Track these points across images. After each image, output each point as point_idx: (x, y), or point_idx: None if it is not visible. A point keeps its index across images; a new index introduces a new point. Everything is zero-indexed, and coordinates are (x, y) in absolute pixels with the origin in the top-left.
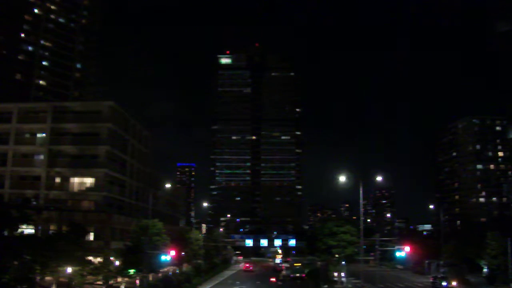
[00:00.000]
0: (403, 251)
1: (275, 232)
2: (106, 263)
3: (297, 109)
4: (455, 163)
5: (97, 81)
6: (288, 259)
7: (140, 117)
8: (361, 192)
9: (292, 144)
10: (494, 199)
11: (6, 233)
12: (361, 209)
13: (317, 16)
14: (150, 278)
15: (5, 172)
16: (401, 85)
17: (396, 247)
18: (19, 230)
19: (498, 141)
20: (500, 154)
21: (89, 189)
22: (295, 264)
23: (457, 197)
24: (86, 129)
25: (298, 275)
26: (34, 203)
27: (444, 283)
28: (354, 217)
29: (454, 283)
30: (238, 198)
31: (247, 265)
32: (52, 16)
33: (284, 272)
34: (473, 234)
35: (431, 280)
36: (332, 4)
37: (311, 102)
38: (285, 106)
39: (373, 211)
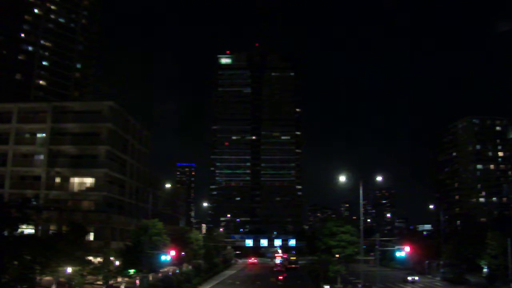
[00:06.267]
0: (403, 251)
1: (275, 232)
2: (106, 263)
3: (297, 109)
4: (455, 163)
5: (97, 81)
6: (285, 255)
7: (140, 117)
8: (361, 192)
9: (292, 144)
10: (494, 199)
11: (6, 233)
12: (361, 209)
13: (317, 15)
14: (150, 278)
15: (5, 172)
16: (401, 85)
17: (396, 247)
18: (19, 230)
19: (498, 141)
20: (500, 154)
21: (89, 189)
22: (291, 258)
23: (457, 197)
24: (86, 129)
25: (293, 266)
26: (34, 203)
27: None
28: (354, 217)
29: None
30: (238, 198)
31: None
32: (52, 16)
33: (283, 264)
34: (473, 234)
35: None
36: (332, 4)
37: (311, 102)
38: (285, 106)
39: (373, 211)
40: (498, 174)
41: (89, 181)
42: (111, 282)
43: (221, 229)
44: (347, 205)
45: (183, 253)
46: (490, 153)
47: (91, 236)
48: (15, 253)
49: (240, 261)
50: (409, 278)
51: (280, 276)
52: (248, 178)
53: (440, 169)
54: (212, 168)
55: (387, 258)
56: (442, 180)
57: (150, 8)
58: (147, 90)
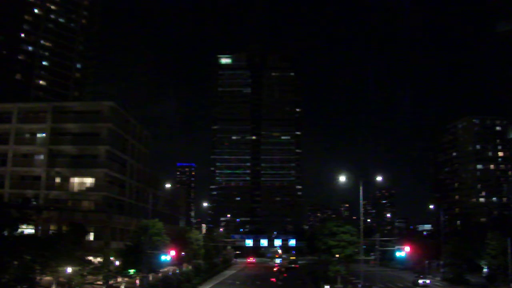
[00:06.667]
0: (403, 251)
1: (275, 232)
2: (106, 263)
3: (297, 109)
4: (455, 163)
5: (97, 81)
6: (283, 256)
7: (140, 117)
8: (361, 192)
9: (292, 144)
10: (494, 199)
11: (6, 233)
12: (361, 209)
13: (317, 15)
14: (150, 278)
15: (5, 172)
16: (401, 85)
17: (396, 247)
18: (19, 230)
19: (498, 141)
20: (500, 154)
21: (89, 189)
22: (290, 258)
23: (457, 197)
24: (86, 129)
25: (292, 265)
26: (34, 203)
27: None
28: (354, 217)
29: None
30: (238, 198)
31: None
32: (52, 16)
33: (283, 263)
34: (473, 234)
35: None
36: (332, 4)
37: (311, 102)
38: (285, 106)
39: (373, 211)
40: (498, 174)
41: (89, 181)
42: (111, 282)
43: (221, 229)
44: (347, 205)
45: (183, 253)
46: (490, 153)
47: (91, 236)
48: (15, 253)
49: (238, 261)
50: (421, 281)
51: (280, 275)
52: (248, 178)
53: (440, 169)
54: (212, 168)
55: (387, 258)
56: (442, 180)
57: (150, 8)
58: (147, 90)
